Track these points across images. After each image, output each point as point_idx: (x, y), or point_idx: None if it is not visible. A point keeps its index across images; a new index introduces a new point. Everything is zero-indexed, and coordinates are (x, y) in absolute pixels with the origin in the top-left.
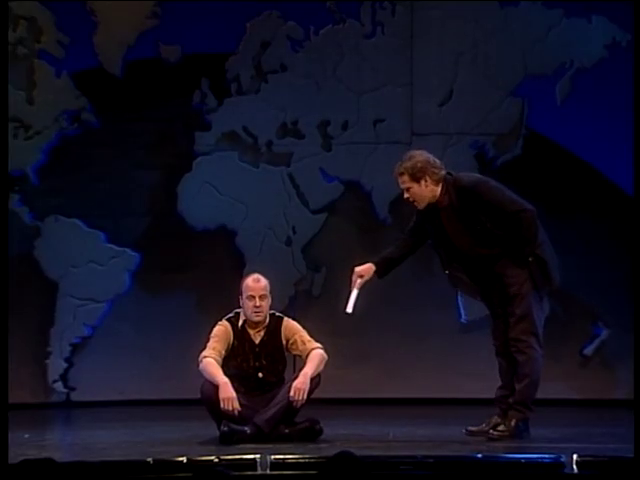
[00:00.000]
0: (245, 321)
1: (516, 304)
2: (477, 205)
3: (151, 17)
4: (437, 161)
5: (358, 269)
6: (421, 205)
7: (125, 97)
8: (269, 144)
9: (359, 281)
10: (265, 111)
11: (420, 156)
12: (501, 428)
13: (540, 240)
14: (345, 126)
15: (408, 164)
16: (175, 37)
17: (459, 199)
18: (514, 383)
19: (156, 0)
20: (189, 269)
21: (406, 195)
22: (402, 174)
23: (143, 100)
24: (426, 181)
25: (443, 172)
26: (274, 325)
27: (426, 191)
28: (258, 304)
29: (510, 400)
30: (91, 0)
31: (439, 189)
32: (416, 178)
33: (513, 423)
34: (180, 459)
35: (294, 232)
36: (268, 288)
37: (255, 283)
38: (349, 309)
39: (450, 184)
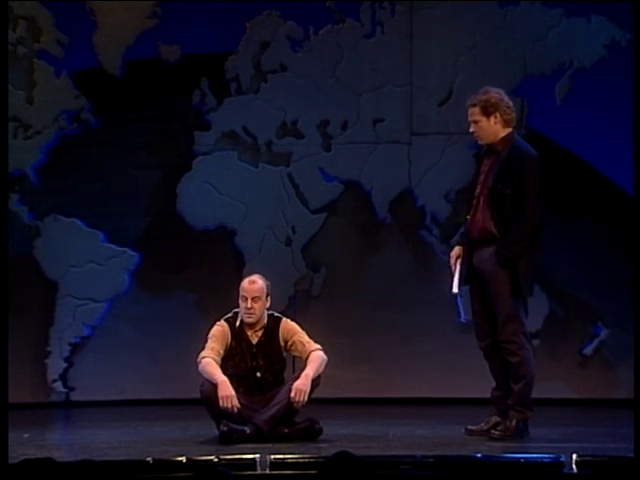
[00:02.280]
0: (242, 321)
1: (501, 304)
2: (515, 168)
3: (151, 17)
4: (510, 102)
5: (455, 252)
6: (484, 141)
7: (125, 97)
8: (269, 144)
9: (459, 261)
10: (265, 111)
11: (496, 93)
12: (501, 428)
13: (529, 250)
14: (345, 126)
15: (483, 97)
16: (175, 37)
17: (508, 154)
18: (510, 384)
19: (156, 0)
20: (189, 269)
21: (472, 129)
22: (474, 105)
23: (143, 100)
24: (496, 117)
25: (514, 115)
26: (272, 326)
27: (493, 128)
28: (249, 306)
29: (509, 402)
30: (91, 0)
31: (504, 133)
32: (487, 112)
33: (514, 423)
34: (180, 459)
35: (294, 232)
36: (264, 290)
37: (249, 285)
38: (455, 289)
39: (514, 139)
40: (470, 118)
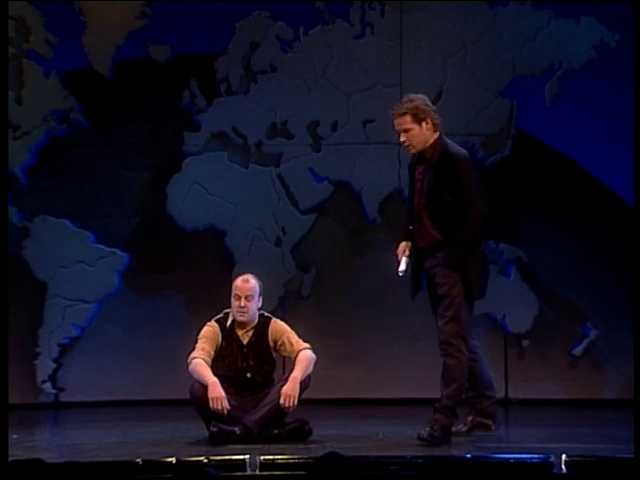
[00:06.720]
0: (233, 321)
1: (445, 306)
2: (448, 173)
3: (140, 17)
4: (435, 107)
5: (404, 243)
6: (416, 149)
7: (114, 97)
8: (258, 144)
9: (407, 249)
10: (254, 111)
11: (421, 99)
12: (428, 432)
13: (477, 252)
14: (335, 126)
15: (411, 105)
16: (164, 37)
17: (439, 159)
18: (440, 388)
19: (145, 0)
20: (178, 270)
21: (403, 138)
22: (404, 114)
23: (132, 100)
24: (427, 123)
25: (440, 119)
26: (262, 326)
27: (425, 134)
28: (243, 304)
29: (436, 405)
30: (80, 0)
31: (432, 138)
32: (419, 119)
33: (440, 428)
34: (169, 460)
35: (283, 232)
36: (257, 290)
37: (243, 283)
38: (402, 269)
39: (442, 143)
40: (399, 127)
